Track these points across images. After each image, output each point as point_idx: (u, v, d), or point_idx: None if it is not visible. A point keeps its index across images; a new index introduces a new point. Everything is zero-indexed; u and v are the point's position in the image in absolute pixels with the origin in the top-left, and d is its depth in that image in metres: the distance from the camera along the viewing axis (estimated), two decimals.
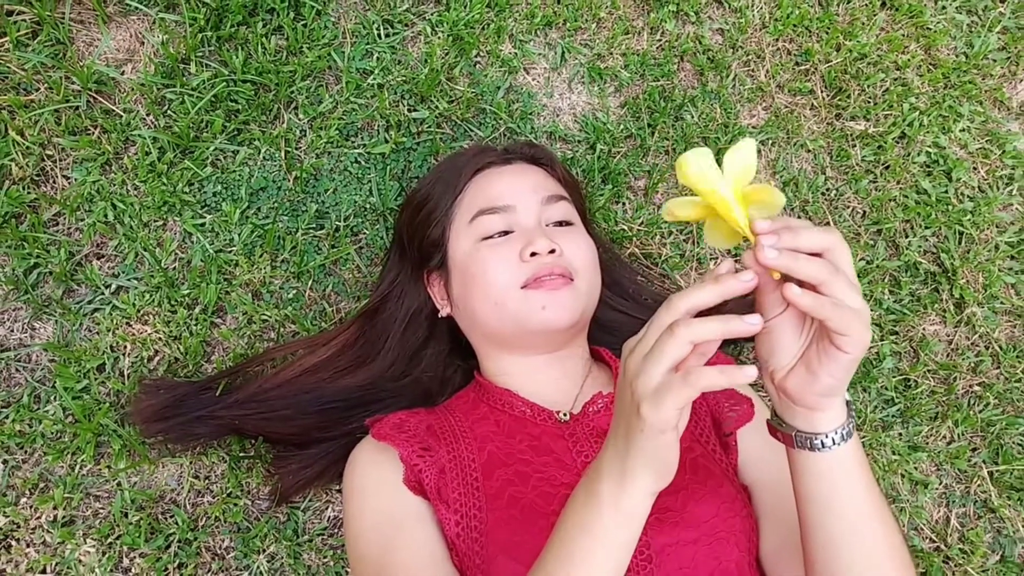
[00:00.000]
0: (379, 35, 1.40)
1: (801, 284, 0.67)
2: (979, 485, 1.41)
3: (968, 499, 1.41)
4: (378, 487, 1.03)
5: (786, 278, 0.67)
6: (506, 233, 1.10)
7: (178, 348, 1.26)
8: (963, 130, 1.55)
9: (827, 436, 0.74)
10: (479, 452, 1.04)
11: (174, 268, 1.28)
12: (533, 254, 1.05)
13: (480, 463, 1.03)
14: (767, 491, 1.04)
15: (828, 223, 1.46)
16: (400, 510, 1.00)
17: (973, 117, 1.56)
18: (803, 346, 0.73)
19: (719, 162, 0.66)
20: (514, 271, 1.06)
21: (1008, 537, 1.40)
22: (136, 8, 1.32)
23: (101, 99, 1.30)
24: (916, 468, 1.40)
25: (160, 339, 1.26)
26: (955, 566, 1.37)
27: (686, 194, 0.71)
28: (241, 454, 1.26)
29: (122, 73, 1.32)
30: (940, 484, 1.41)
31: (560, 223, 1.13)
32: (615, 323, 1.31)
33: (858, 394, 1.41)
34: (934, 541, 1.39)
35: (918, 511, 1.38)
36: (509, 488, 0.99)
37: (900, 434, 1.41)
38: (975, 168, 1.54)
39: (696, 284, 0.66)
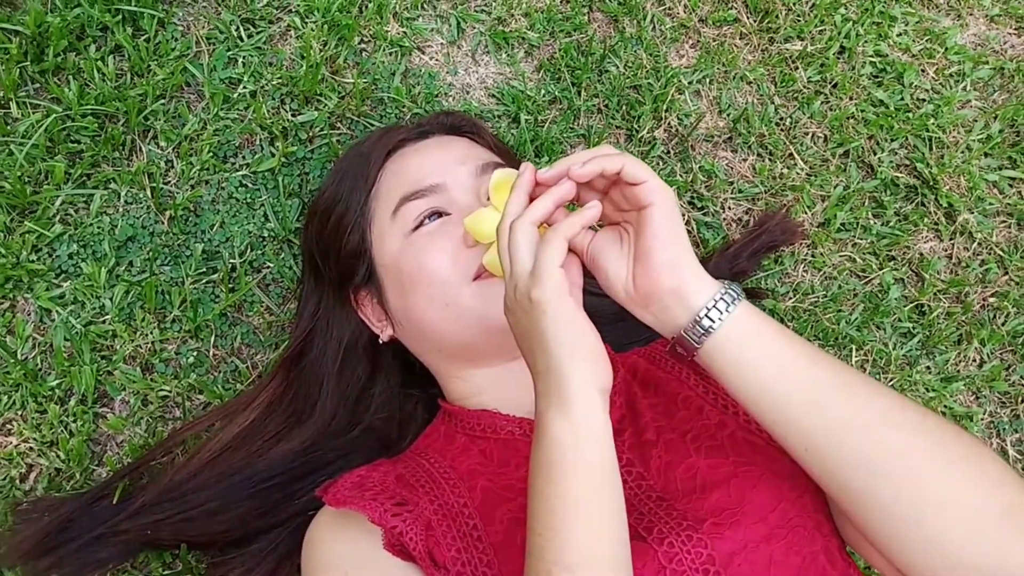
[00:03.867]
0: (240, 37, 1.17)
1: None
2: None
3: (1019, 423, 1.25)
4: (351, 566, 0.79)
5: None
6: (439, 215, 0.88)
7: (56, 456, 0.98)
8: (900, 34, 1.43)
9: (708, 311, 0.67)
10: (469, 493, 0.82)
11: (34, 357, 1.01)
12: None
13: (475, 506, 0.80)
14: None
15: (791, 154, 1.30)
16: None
17: (907, 19, 1.45)
18: (629, 251, 0.71)
19: None
20: (460, 261, 0.86)
21: None
22: None
23: None
24: (956, 401, 1.23)
25: (32, 449, 0.98)
26: None
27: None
28: (165, 572, 0.98)
29: None
30: (984, 413, 1.24)
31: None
32: (588, 306, 1.12)
33: (873, 332, 1.23)
34: None
35: None
36: (519, 529, 0.75)
37: (928, 367, 1.24)
38: (923, 70, 1.42)
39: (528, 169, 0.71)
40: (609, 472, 0.64)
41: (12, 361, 0.99)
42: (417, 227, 0.88)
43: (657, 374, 0.95)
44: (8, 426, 0.98)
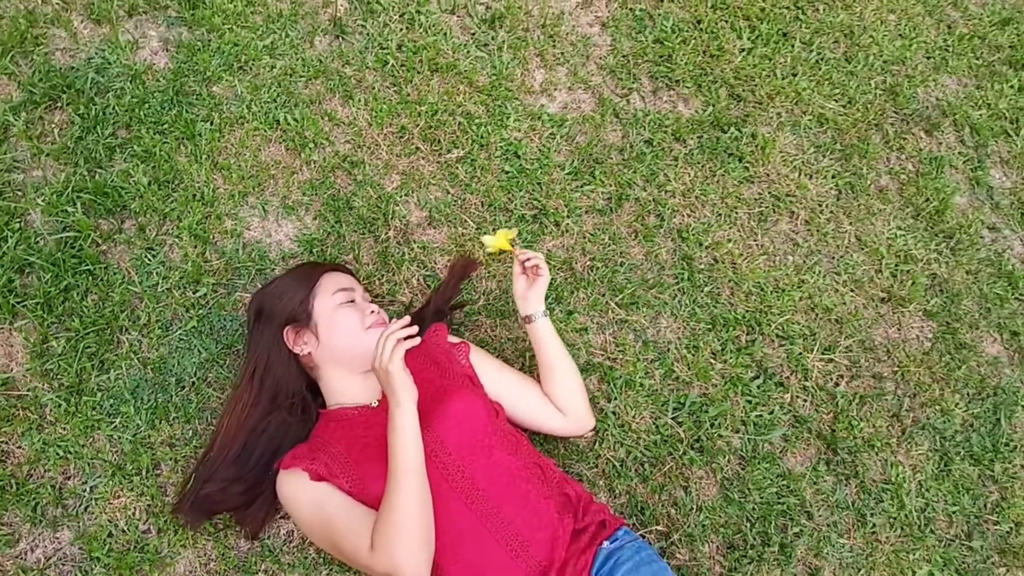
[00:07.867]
0: (153, 252, 2.16)
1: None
2: (613, 312, 2.43)
3: (612, 324, 2.43)
4: (300, 492, 1.86)
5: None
6: (352, 301, 1.95)
7: (145, 497, 2.05)
8: (515, 121, 2.49)
9: (537, 314, 1.99)
10: (339, 444, 1.92)
11: (115, 458, 2.06)
12: (372, 312, 1.94)
13: (343, 448, 1.91)
14: (498, 383, 2.04)
15: (464, 219, 2.38)
16: (318, 496, 1.83)
17: (517, 110, 2.50)
18: (527, 286, 1.98)
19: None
20: (359, 322, 1.93)
21: (639, 331, 2.43)
22: None
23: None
24: (576, 323, 2.40)
25: (132, 498, 2.04)
26: (621, 364, 2.39)
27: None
28: (219, 528, 2.08)
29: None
30: (595, 324, 2.42)
31: (370, 297, 2.01)
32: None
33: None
34: (604, 355, 2.40)
35: (588, 344, 2.39)
36: (362, 453, 1.88)
37: (560, 310, 2.40)
38: (531, 140, 2.50)
39: (394, 323, 1.65)
40: (417, 433, 1.64)
41: (107, 464, 2.03)
42: (342, 304, 1.94)
43: (425, 353, 2.07)
44: (117, 493, 2.04)
